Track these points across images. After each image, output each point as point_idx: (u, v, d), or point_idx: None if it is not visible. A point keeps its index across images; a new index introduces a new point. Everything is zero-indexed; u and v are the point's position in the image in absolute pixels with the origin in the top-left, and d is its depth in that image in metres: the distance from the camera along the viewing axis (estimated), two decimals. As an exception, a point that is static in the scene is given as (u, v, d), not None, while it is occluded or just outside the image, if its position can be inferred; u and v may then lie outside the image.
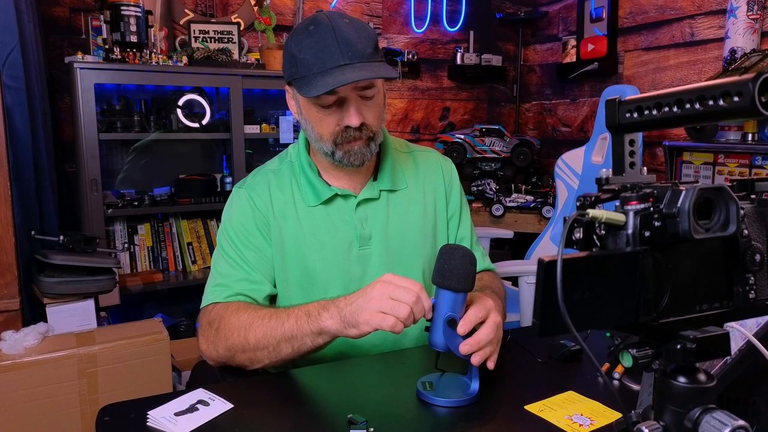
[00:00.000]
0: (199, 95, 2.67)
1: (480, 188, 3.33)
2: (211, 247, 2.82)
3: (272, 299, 1.27)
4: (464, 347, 0.96)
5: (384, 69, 1.11)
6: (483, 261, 1.39)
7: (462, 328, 0.96)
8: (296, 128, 2.81)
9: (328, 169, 1.25)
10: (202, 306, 1.22)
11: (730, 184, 0.53)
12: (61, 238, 1.97)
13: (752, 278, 0.54)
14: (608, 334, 1.16)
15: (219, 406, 0.96)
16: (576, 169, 2.80)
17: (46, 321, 1.83)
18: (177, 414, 0.93)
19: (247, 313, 1.11)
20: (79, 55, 2.31)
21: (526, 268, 2.25)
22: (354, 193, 1.25)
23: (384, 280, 0.98)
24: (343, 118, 1.13)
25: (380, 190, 1.27)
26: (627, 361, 0.53)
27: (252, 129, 2.71)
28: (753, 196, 0.56)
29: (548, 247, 2.82)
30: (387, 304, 0.95)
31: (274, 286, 1.25)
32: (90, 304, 1.95)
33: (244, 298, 1.19)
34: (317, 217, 1.23)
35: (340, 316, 1.00)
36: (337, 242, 1.23)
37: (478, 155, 3.33)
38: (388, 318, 0.94)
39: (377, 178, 1.28)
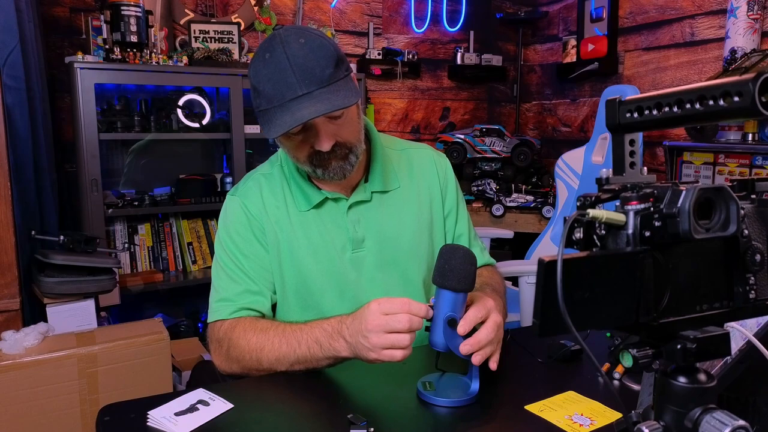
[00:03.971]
0: (199, 95, 2.67)
1: (480, 188, 3.33)
2: (212, 247, 2.82)
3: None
4: (464, 347, 0.96)
5: (342, 94, 1.06)
6: (482, 256, 1.39)
7: (462, 328, 0.96)
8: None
9: None
10: (208, 321, 1.22)
11: (730, 184, 0.53)
12: (62, 238, 1.97)
13: (752, 278, 0.54)
14: (608, 334, 1.16)
15: (219, 406, 0.96)
16: (576, 169, 2.80)
17: (46, 321, 1.83)
18: (177, 414, 0.93)
19: (255, 336, 1.12)
20: (80, 55, 2.32)
21: (526, 268, 2.25)
22: (345, 196, 1.24)
23: (374, 312, 0.97)
24: (314, 143, 1.11)
25: (372, 192, 1.26)
26: (627, 361, 0.53)
27: (252, 129, 2.70)
28: (753, 196, 0.56)
29: (548, 247, 2.82)
30: (387, 340, 0.95)
31: (275, 293, 1.25)
32: (90, 304, 1.95)
33: (248, 312, 1.20)
34: (309, 221, 1.23)
35: (351, 350, 1.01)
36: (329, 246, 1.22)
37: (479, 155, 3.33)
38: (395, 353, 0.95)
39: (368, 179, 1.26)
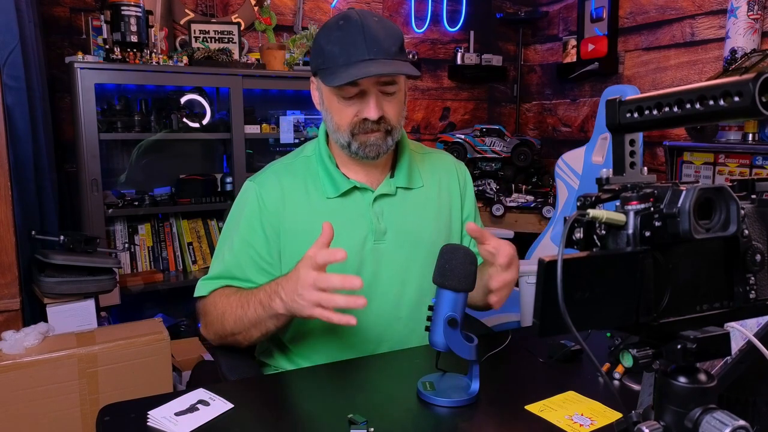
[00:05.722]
0: (199, 95, 2.67)
1: (480, 188, 3.33)
2: (212, 247, 2.82)
3: None
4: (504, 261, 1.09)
5: (407, 67, 1.15)
6: None
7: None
8: (296, 128, 2.81)
9: (347, 163, 1.27)
10: (194, 295, 1.29)
11: (730, 184, 0.53)
12: (62, 238, 1.96)
13: (753, 278, 0.54)
14: (608, 334, 1.16)
15: (219, 406, 0.96)
16: (576, 169, 2.80)
17: (46, 321, 1.83)
18: (177, 414, 0.93)
19: (221, 302, 1.19)
20: (80, 55, 2.31)
21: (526, 268, 2.25)
22: (371, 187, 1.27)
23: (305, 267, 1.00)
24: (362, 110, 1.17)
25: (397, 187, 1.29)
26: (627, 361, 0.53)
27: (252, 129, 2.70)
28: (753, 196, 0.56)
29: (549, 247, 2.82)
30: (321, 297, 0.99)
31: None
32: (90, 304, 1.95)
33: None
34: (334, 209, 1.25)
35: (285, 308, 1.05)
36: (352, 235, 1.24)
37: (479, 155, 3.33)
38: (330, 314, 0.98)
39: (394, 175, 1.30)
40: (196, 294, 1.26)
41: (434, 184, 1.35)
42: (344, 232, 1.23)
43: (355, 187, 1.26)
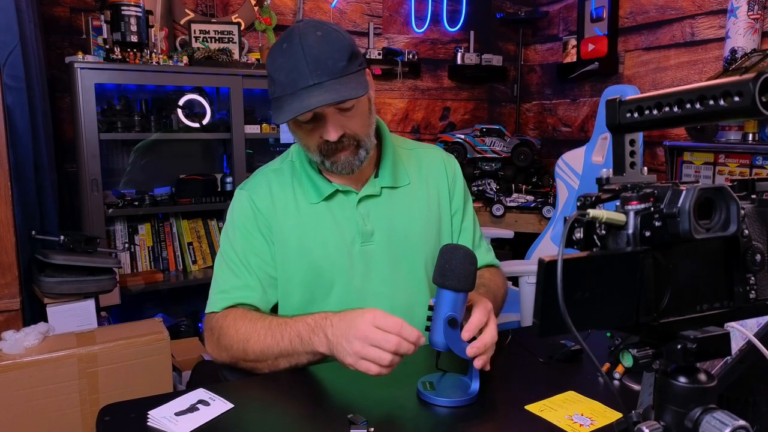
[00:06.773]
0: (199, 95, 2.67)
1: (480, 188, 3.33)
2: (212, 247, 2.83)
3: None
4: (471, 350, 0.96)
5: (352, 86, 1.08)
6: (487, 255, 1.40)
7: (467, 333, 0.97)
8: (296, 128, 2.80)
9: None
10: (206, 311, 1.24)
11: (730, 184, 0.53)
12: (62, 237, 1.96)
13: (753, 278, 0.54)
14: (608, 334, 1.16)
15: (219, 406, 0.96)
16: (576, 169, 2.80)
17: (46, 321, 1.83)
18: (177, 414, 0.93)
19: (244, 326, 1.14)
20: (80, 55, 2.31)
21: (526, 268, 2.25)
22: (355, 189, 1.26)
23: (366, 321, 0.96)
24: (323, 132, 1.13)
25: (381, 187, 1.27)
26: (627, 361, 0.53)
27: (252, 129, 2.71)
28: (753, 196, 0.56)
29: (549, 247, 2.82)
30: (369, 353, 0.95)
31: (276, 288, 1.25)
32: (90, 303, 1.95)
33: (242, 305, 1.21)
34: (320, 214, 1.24)
35: (329, 347, 1.02)
36: (339, 239, 1.23)
37: (479, 155, 3.33)
38: (372, 367, 0.95)
39: (378, 174, 1.29)
40: (212, 309, 1.21)
41: (422, 180, 1.33)
42: (331, 236, 1.23)
43: (338, 191, 1.24)
